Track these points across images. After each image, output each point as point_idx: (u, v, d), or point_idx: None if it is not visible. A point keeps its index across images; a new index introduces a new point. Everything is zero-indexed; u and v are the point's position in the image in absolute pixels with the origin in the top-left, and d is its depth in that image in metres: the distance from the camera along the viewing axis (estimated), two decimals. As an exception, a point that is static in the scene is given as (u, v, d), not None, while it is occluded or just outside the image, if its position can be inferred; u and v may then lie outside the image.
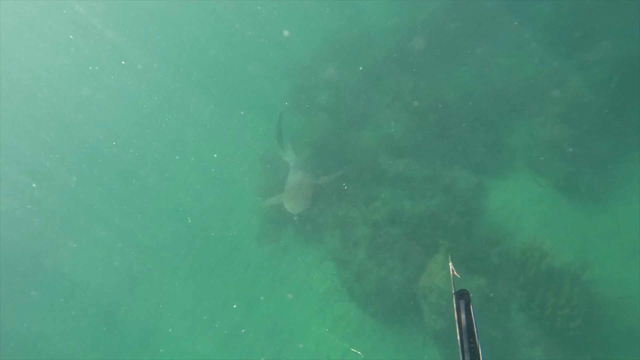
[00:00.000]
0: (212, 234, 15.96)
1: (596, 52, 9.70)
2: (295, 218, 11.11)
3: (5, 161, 26.27)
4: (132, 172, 22.91)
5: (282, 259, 12.75)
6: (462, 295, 1.85)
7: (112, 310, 16.27)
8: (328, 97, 14.75)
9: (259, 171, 15.09)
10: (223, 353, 12.05)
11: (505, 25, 12.31)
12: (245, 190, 15.59)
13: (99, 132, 26.84)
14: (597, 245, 7.99)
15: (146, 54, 28.30)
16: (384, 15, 16.77)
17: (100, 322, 16.11)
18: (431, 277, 8.15)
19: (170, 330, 13.96)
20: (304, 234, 12.35)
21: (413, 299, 8.65)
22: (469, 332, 1.75)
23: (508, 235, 8.50)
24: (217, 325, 12.89)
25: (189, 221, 17.63)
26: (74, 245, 20.81)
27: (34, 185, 24.81)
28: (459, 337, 1.75)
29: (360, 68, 14.31)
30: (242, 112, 20.13)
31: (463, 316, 1.79)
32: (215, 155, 18.53)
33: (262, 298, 12.31)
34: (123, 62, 28.66)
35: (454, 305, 1.85)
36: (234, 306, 12.73)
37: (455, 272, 2.15)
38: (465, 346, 1.72)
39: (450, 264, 2.18)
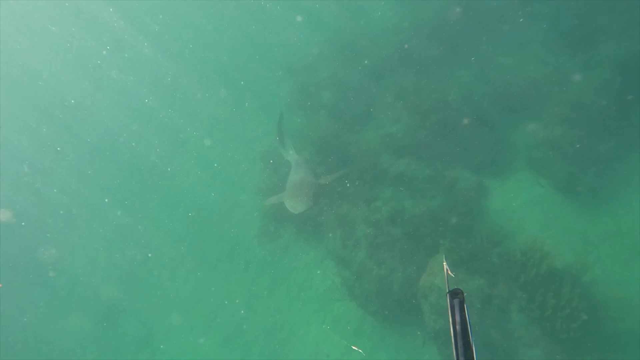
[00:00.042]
0: (213, 232, 15.98)
1: (599, 53, 9.68)
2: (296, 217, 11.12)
3: (5, 156, 26.30)
4: (133, 167, 22.92)
5: (283, 257, 12.77)
6: (456, 295, 1.86)
7: (113, 306, 16.31)
8: (330, 95, 14.74)
9: (260, 169, 15.10)
10: (223, 350, 12.09)
11: (508, 24, 12.28)
12: (247, 188, 15.59)
13: (100, 127, 26.86)
14: (597, 247, 7.99)
15: (149, 49, 28.27)
16: (387, 14, 16.75)
17: (101, 318, 16.15)
18: (431, 277, 8.16)
19: (170, 327, 14.00)
20: (305, 233, 12.36)
21: (413, 298, 8.66)
22: (463, 332, 1.76)
23: (509, 236, 8.51)
24: (216, 323, 12.92)
25: (190, 218, 17.65)
26: (75, 241, 20.86)
27: (34, 181, 24.85)
28: (453, 337, 1.76)
29: (364, 63, 14.29)
30: (243, 110, 20.13)
31: (457, 315, 1.80)
32: (215, 165, 18.56)
33: (265, 293, 12.34)
34: (126, 55, 28.64)
35: (448, 304, 1.86)
36: (236, 301, 12.76)
37: (449, 272, 2.17)
38: (460, 345, 1.73)
39: (444, 263, 2.20)
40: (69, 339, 16.42)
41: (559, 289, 7.04)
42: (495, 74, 11.41)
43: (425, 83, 11.85)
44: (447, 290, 1.93)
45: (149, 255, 17.25)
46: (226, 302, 13.09)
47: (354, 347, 9.32)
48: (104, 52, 29.39)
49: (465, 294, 1.87)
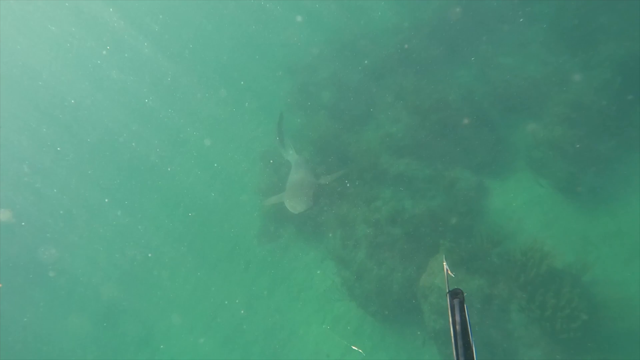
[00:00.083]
0: (213, 232, 15.99)
1: (599, 53, 9.68)
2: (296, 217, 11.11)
3: (5, 156, 26.30)
4: (133, 167, 22.93)
5: (283, 257, 12.77)
6: (456, 295, 1.86)
7: (113, 306, 16.31)
8: (330, 95, 14.74)
9: (260, 169, 15.10)
10: (223, 350, 12.09)
11: (508, 24, 12.28)
12: (247, 188, 15.60)
13: (100, 127, 26.86)
14: (597, 247, 8.00)
15: (149, 49, 28.27)
16: (387, 14, 16.75)
17: (101, 318, 16.15)
18: (431, 277, 8.16)
19: (170, 327, 14.00)
20: (305, 233, 12.36)
21: (413, 298, 8.66)
22: (463, 332, 1.76)
23: (509, 236, 8.51)
24: (216, 323, 12.92)
25: (190, 218, 17.66)
26: (75, 241, 20.86)
27: (34, 181, 24.84)
28: (453, 337, 1.76)
29: (364, 63, 14.29)
30: (243, 110, 20.13)
31: (457, 315, 1.80)
32: (215, 165, 18.56)
33: (265, 293, 12.34)
34: (126, 55, 28.63)
35: (448, 304, 1.86)
36: (236, 301, 12.77)
37: (449, 272, 2.17)
38: (460, 345, 1.73)
39: (444, 263, 2.21)
40: (69, 339, 16.41)
41: (559, 289, 7.04)
42: (495, 74, 11.41)
43: (425, 83, 11.85)
44: (447, 290, 1.93)
45: (149, 255, 17.25)
46: (226, 302, 13.09)
47: (354, 347, 9.32)
48: (104, 52, 29.39)
49: (465, 294, 1.88)
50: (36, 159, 26.29)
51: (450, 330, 1.79)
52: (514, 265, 7.55)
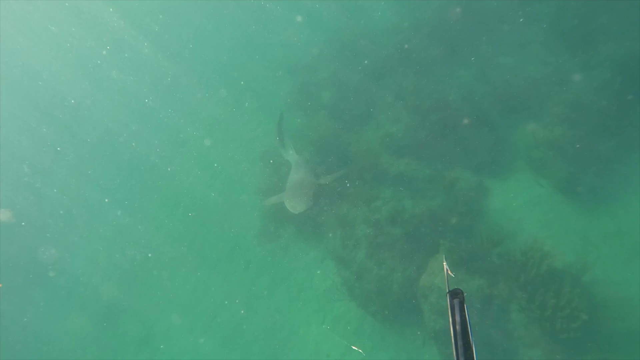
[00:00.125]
0: (213, 232, 15.99)
1: (599, 53, 9.68)
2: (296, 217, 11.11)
3: (5, 156, 26.29)
4: (133, 167, 22.92)
5: (283, 257, 12.77)
6: (456, 295, 1.86)
7: (113, 306, 16.31)
8: (330, 95, 14.74)
9: (260, 169, 15.10)
10: (223, 350, 12.09)
11: (508, 24, 12.28)
12: (247, 188, 15.60)
13: (100, 127, 26.86)
14: (597, 247, 7.99)
15: (149, 49, 28.27)
16: (387, 14, 16.75)
17: (101, 318, 16.16)
18: (431, 277, 8.16)
19: (170, 327, 14.00)
20: (305, 233, 12.36)
21: (413, 298, 8.66)
22: (463, 332, 1.76)
23: (509, 236, 8.50)
24: (216, 323, 12.92)
25: (190, 218, 17.66)
26: (75, 241, 20.85)
27: (34, 181, 24.84)
28: (453, 337, 1.76)
29: (364, 63, 14.29)
30: (243, 110, 20.13)
31: (457, 315, 1.81)
32: (215, 165, 18.57)
33: (265, 293, 12.34)
34: (126, 55, 28.63)
35: (448, 304, 1.87)
36: (236, 301, 12.76)
37: (449, 272, 2.17)
38: (460, 345, 1.73)
39: (444, 263, 2.21)
40: (69, 339, 16.42)
41: (559, 289, 7.04)
42: (495, 74, 11.41)
43: (425, 83, 11.85)
44: (447, 290, 1.93)
45: (149, 255, 17.25)
46: (226, 302, 13.09)
47: (354, 347, 9.32)
48: (104, 52, 29.39)
49: (465, 294, 1.88)
50: (36, 159, 26.29)
51: (450, 330, 1.80)
52: (514, 265, 7.55)
